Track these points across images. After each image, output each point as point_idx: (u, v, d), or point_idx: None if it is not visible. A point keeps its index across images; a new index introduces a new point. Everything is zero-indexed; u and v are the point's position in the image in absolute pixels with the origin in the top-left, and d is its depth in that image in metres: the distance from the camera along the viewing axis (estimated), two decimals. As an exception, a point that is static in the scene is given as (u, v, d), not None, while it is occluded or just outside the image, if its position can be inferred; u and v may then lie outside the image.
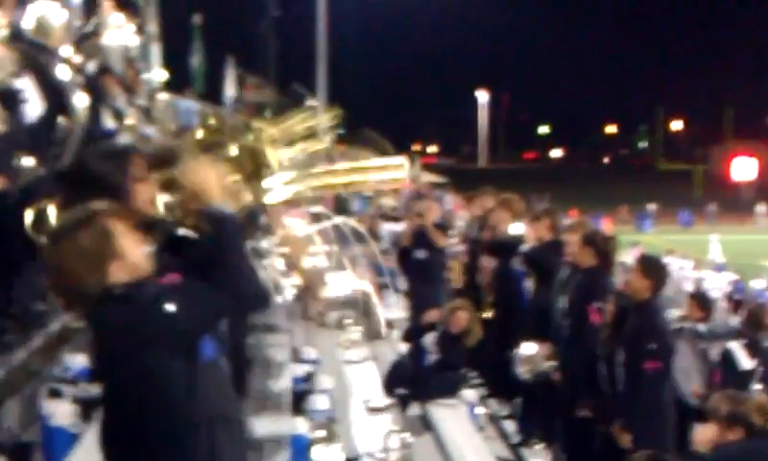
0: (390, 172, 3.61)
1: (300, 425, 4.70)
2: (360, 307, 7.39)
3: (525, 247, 7.58)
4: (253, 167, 3.28)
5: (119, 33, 8.95)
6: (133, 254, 2.58)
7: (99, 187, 2.77)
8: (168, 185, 2.94)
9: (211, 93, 20.10)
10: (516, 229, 8.01)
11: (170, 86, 13.74)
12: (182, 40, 20.39)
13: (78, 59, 6.54)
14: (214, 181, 2.76)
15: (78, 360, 4.27)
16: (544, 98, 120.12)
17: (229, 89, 20.20)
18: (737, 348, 7.24)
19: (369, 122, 23.11)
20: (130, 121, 7.12)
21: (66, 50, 6.10)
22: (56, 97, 5.54)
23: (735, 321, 9.15)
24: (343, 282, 6.41)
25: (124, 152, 3.23)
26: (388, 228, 11.97)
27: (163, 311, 2.47)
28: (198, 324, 2.60)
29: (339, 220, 7.09)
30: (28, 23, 5.83)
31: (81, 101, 5.75)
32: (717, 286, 17.57)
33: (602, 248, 6.70)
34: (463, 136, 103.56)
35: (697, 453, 4.79)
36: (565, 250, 6.95)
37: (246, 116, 3.84)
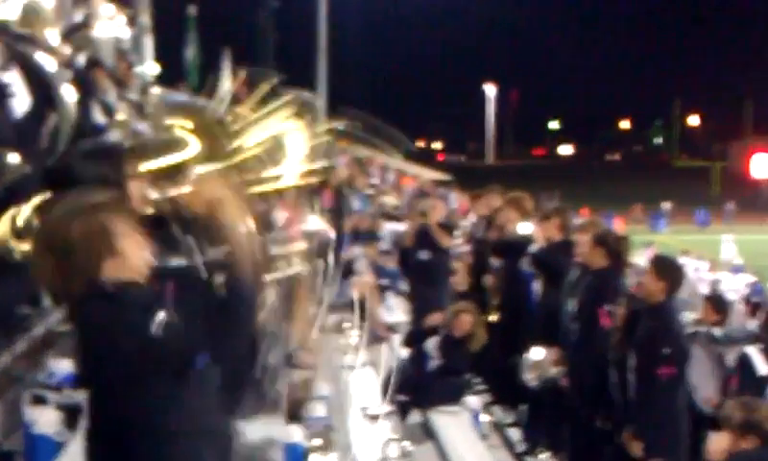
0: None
1: (296, 434, 4.60)
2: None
3: (534, 247, 7.51)
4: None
5: (110, 24, 8.91)
6: (133, 256, 2.57)
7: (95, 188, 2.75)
8: (157, 179, 2.92)
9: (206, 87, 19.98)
10: (525, 228, 7.94)
11: (163, 80, 13.60)
12: (176, 32, 20.20)
13: (67, 51, 6.47)
14: (230, 199, 2.84)
15: (63, 366, 4.22)
16: (554, 91, 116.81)
17: (226, 83, 20.06)
18: (755, 353, 7.07)
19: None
20: (121, 116, 7.02)
21: (54, 40, 5.98)
22: (43, 91, 5.41)
23: (753, 324, 9.11)
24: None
25: (117, 150, 3.27)
26: (390, 227, 11.81)
27: (148, 333, 2.44)
28: (183, 352, 2.58)
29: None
30: (13, 13, 5.69)
31: (70, 95, 5.61)
32: (734, 288, 17.38)
33: (614, 248, 6.65)
34: (468, 133, 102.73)
35: (710, 464, 4.73)
36: (576, 250, 6.88)
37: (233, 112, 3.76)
